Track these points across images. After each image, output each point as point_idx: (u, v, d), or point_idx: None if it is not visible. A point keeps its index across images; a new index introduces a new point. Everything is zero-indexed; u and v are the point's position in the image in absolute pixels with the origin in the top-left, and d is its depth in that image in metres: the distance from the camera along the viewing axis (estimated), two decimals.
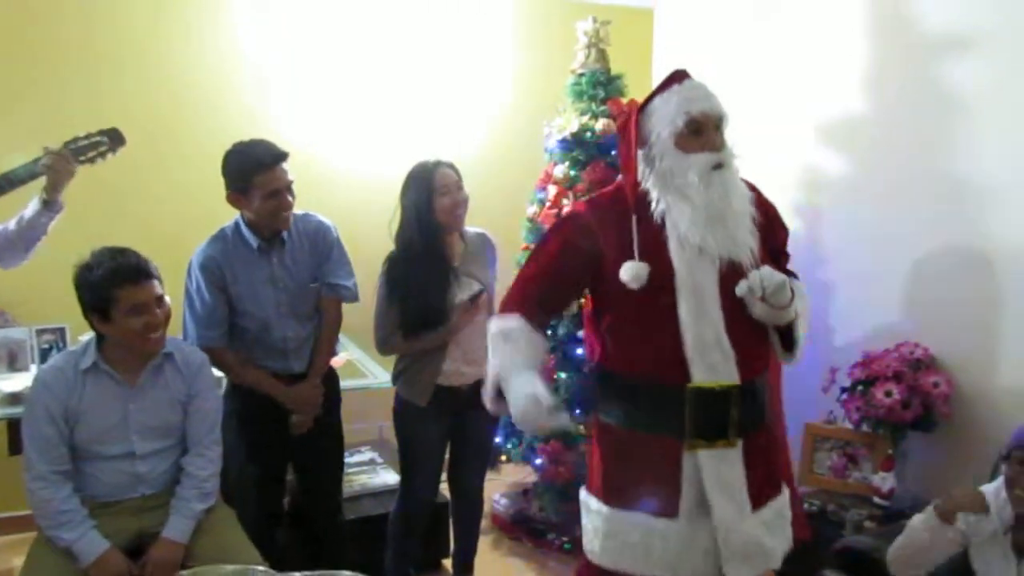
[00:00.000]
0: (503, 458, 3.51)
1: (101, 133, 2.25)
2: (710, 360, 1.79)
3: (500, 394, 1.90)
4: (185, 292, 2.45)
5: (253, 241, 2.41)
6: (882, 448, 2.90)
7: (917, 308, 2.99)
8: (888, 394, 2.76)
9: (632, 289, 1.79)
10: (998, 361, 2.69)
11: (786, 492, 2.00)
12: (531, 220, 3.50)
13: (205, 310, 2.39)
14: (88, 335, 2.18)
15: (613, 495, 1.91)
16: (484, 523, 3.48)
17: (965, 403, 2.77)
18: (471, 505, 2.92)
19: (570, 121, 3.43)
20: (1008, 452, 1.88)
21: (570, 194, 3.35)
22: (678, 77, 1.89)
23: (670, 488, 1.83)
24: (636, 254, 1.80)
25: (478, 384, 2.59)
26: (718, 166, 1.80)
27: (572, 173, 3.39)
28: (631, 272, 1.79)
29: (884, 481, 2.83)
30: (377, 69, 3.97)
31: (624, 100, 3.45)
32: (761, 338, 1.91)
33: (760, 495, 1.87)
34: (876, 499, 2.85)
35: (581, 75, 3.49)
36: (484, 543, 3.37)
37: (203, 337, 2.40)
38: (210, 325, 2.40)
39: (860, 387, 2.88)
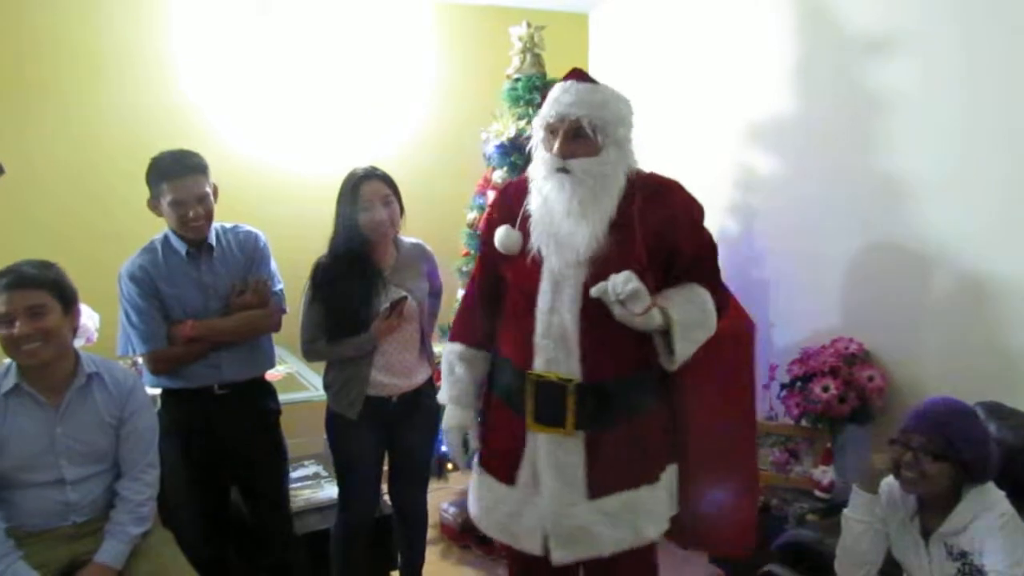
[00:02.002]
0: (449, 467, 3.48)
1: None
2: (552, 353, 1.90)
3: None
4: (120, 306, 2.39)
5: (181, 248, 2.40)
6: (821, 442, 2.97)
7: (851, 304, 3.06)
8: (825, 389, 2.82)
9: (510, 272, 1.97)
10: (928, 354, 2.77)
11: (653, 489, 1.98)
12: (471, 226, 3.49)
13: (142, 317, 2.34)
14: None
15: (482, 460, 2.12)
16: (433, 532, 3.46)
17: (898, 396, 2.84)
18: (414, 519, 2.87)
19: (507, 126, 3.43)
20: (893, 438, 1.95)
21: None
22: (570, 76, 1.94)
23: (513, 459, 1.99)
24: (517, 223, 1.96)
25: (407, 396, 2.60)
26: (561, 170, 1.87)
27: (511, 178, 3.38)
28: (501, 236, 1.96)
29: (824, 474, 2.89)
30: (312, 77, 3.93)
31: None
32: (624, 342, 1.91)
33: (604, 485, 1.93)
34: (817, 492, 2.90)
35: (517, 80, 3.48)
36: (433, 552, 3.34)
37: (147, 342, 2.34)
38: (149, 331, 2.34)
39: (799, 383, 2.94)
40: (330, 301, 2.50)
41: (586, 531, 1.92)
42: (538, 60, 3.50)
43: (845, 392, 2.80)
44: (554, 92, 1.92)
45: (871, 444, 2.93)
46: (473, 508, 2.13)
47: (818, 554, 2.24)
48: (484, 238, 2.11)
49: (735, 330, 2.19)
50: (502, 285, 2.06)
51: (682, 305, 1.91)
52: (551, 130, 1.90)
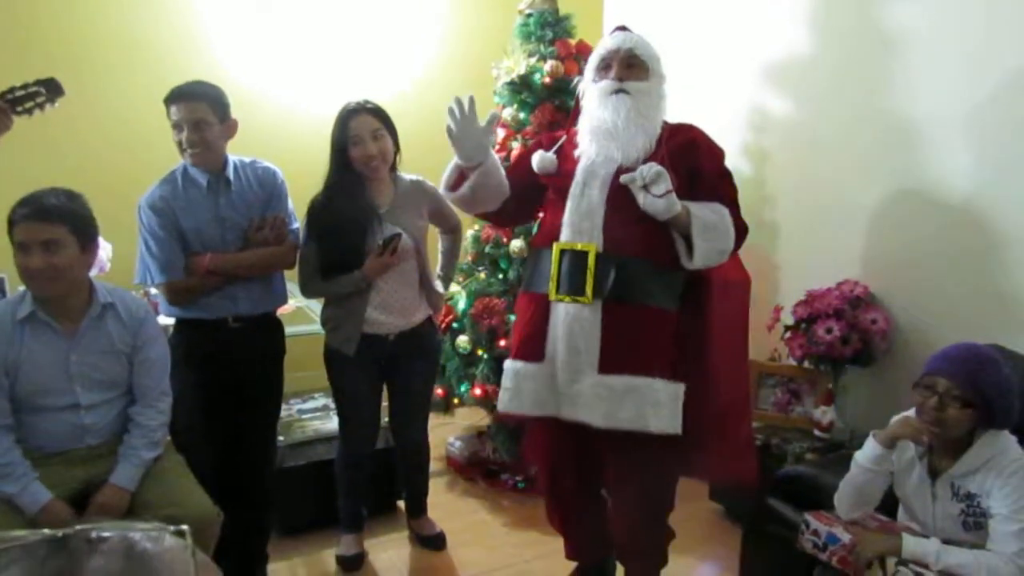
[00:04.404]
0: (456, 401, 3.54)
1: (38, 83, 2.17)
2: (579, 226, 2.14)
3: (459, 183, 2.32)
4: (139, 235, 2.43)
5: (201, 179, 2.42)
6: (823, 383, 3.00)
7: (859, 247, 3.06)
8: (828, 331, 2.83)
9: (550, 181, 2.25)
10: (932, 297, 2.78)
11: (658, 383, 2.12)
12: None
13: (161, 247, 2.38)
14: None
15: (513, 350, 2.32)
16: (439, 465, 3.55)
17: (901, 338, 2.87)
18: (414, 454, 2.95)
19: (518, 63, 3.39)
20: (917, 380, 1.96)
21: (518, 137, 3.33)
22: (615, 32, 2.25)
23: (539, 338, 2.20)
24: (552, 151, 2.26)
25: (405, 335, 2.64)
26: (616, 91, 2.16)
27: (520, 116, 3.36)
28: (536, 157, 2.27)
29: (824, 415, 2.93)
30: (320, 7, 3.87)
31: (573, 41, 3.41)
32: (645, 229, 2.11)
33: (614, 363, 2.11)
34: (817, 432, 2.95)
35: (529, 15, 3.43)
36: (439, 484, 3.43)
37: (165, 272, 2.39)
38: (168, 261, 2.39)
39: (803, 325, 2.96)
40: (323, 238, 2.53)
41: (585, 397, 2.12)
42: None
43: (848, 334, 2.82)
44: (603, 40, 2.26)
45: (872, 386, 2.96)
46: (502, 401, 2.30)
47: (814, 488, 2.29)
48: (516, 161, 2.48)
49: (742, 277, 2.39)
50: (530, 187, 2.34)
51: (701, 208, 2.13)
52: (605, 65, 2.21)
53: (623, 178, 2.07)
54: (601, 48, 2.23)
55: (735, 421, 2.33)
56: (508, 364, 2.31)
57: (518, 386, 2.23)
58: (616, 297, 2.11)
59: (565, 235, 2.15)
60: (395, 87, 4.00)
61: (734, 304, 2.35)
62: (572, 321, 2.12)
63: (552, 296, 2.16)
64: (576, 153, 2.22)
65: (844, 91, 3.05)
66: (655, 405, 2.11)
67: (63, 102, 2.22)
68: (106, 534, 0.63)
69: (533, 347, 2.21)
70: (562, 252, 2.15)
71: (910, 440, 1.96)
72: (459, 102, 2.13)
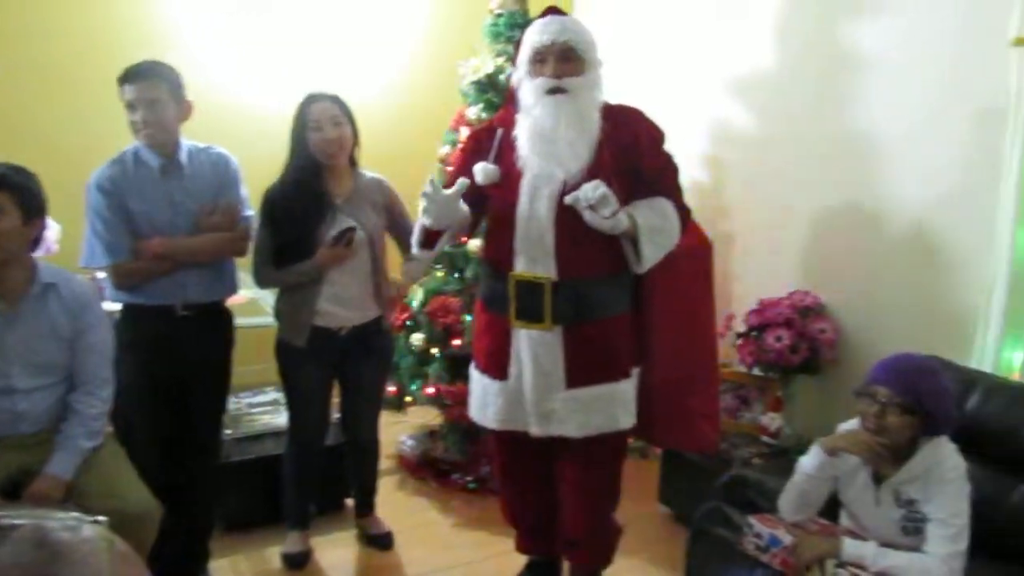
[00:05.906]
0: (408, 399, 3.51)
1: None
2: (531, 254, 2.13)
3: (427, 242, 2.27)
4: (86, 215, 2.37)
5: (153, 161, 2.37)
6: (772, 390, 3.04)
7: (811, 258, 3.11)
8: (778, 339, 2.87)
9: (494, 191, 2.17)
10: (881, 309, 2.84)
11: (623, 384, 2.23)
12: (443, 161, 3.46)
13: (107, 228, 2.33)
14: None
15: (477, 361, 2.35)
16: (390, 464, 3.52)
17: (849, 348, 2.92)
18: (365, 451, 2.91)
19: (485, 62, 3.38)
20: (859, 389, 1.99)
21: None
22: (548, 12, 2.18)
23: (502, 357, 2.23)
24: (491, 158, 2.18)
25: (357, 330, 2.62)
26: (553, 90, 2.09)
27: (484, 115, 3.35)
28: (479, 171, 2.16)
29: (772, 421, 2.97)
30: (292, 9, 3.84)
31: None
32: (595, 246, 2.12)
33: (581, 377, 2.18)
34: (764, 438, 2.98)
35: (499, 16, 3.42)
36: (390, 483, 3.40)
37: (112, 253, 2.33)
38: (115, 242, 2.33)
39: (754, 332, 2.99)
40: (277, 225, 2.51)
41: (561, 415, 2.19)
42: None
43: (797, 343, 2.86)
44: (535, 27, 2.15)
45: (820, 394, 3.01)
46: (471, 408, 2.38)
47: (760, 493, 2.32)
48: (457, 167, 2.32)
49: (691, 250, 2.38)
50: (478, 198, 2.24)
51: (646, 212, 2.14)
52: (540, 59, 2.12)
53: (567, 199, 2.04)
54: (535, 40, 2.12)
55: (687, 392, 2.35)
56: (475, 374, 2.35)
57: (484, 400, 2.30)
58: (576, 319, 2.14)
59: (519, 264, 2.15)
60: (362, 85, 3.96)
61: (685, 277, 2.35)
62: (536, 345, 2.17)
63: (512, 323, 2.18)
64: (516, 160, 2.15)
65: (804, 107, 3.10)
66: (623, 404, 2.22)
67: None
68: (18, 522, 0.61)
69: (497, 366, 2.26)
70: (518, 282, 2.14)
71: (861, 458, 1.99)
72: (426, 194, 2.09)
